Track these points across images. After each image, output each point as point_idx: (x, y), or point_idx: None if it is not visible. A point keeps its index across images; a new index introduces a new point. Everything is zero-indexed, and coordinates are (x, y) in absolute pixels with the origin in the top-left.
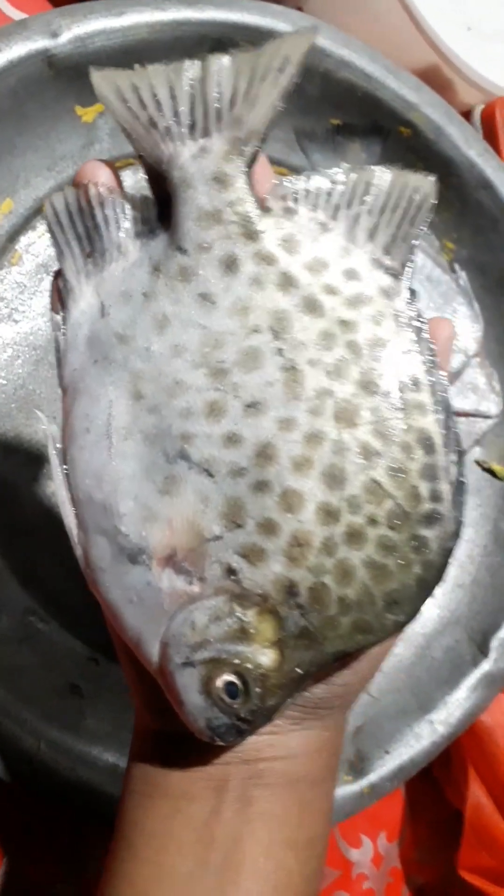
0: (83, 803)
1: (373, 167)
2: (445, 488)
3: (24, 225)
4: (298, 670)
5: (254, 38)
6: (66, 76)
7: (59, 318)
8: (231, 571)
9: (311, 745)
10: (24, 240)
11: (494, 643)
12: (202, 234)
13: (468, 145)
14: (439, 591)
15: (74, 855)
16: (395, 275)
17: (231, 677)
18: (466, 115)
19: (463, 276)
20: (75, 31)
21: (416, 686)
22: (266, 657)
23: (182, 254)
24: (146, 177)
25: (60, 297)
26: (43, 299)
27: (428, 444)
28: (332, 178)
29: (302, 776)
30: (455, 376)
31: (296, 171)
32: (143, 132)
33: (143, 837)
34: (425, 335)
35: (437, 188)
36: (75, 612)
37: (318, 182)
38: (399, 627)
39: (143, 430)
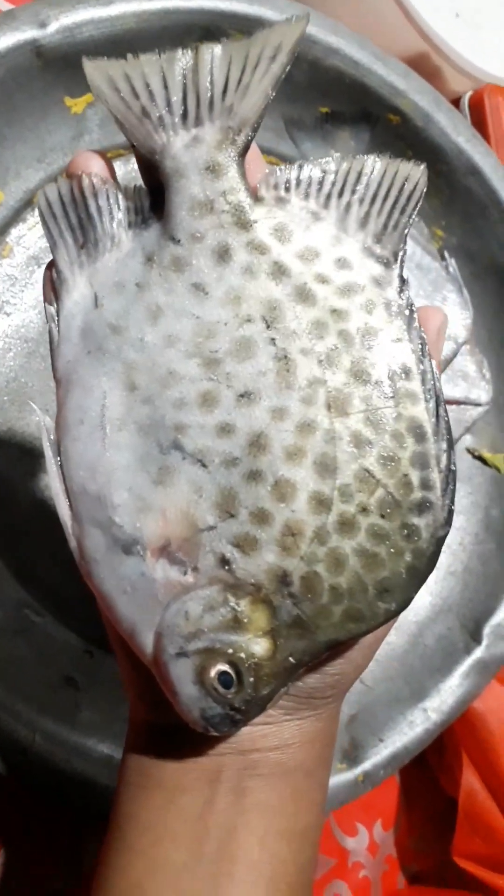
0: (78, 795)
1: (364, 156)
2: (436, 476)
3: (14, 217)
4: (291, 659)
5: (243, 26)
6: (55, 67)
7: (52, 309)
8: (224, 561)
9: (305, 735)
10: (14, 232)
11: (486, 630)
12: (195, 224)
13: (457, 132)
14: (431, 579)
15: (73, 853)
16: (387, 264)
17: (225, 667)
18: (455, 102)
19: (452, 263)
20: (63, 21)
21: (409, 674)
22: (259, 646)
23: (175, 244)
24: (139, 167)
25: (54, 288)
26: (34, 292)
27: (419, 433)
28: (324, 167)
29: (296, 766)
30: (445, 364)
31: (286, 159)
32: (135, 122)
33: (138, 829)
34: (416, 324)
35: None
36: (70, 604)
37: (309, 171)
38: (391, 616)
39: (136, 421)
